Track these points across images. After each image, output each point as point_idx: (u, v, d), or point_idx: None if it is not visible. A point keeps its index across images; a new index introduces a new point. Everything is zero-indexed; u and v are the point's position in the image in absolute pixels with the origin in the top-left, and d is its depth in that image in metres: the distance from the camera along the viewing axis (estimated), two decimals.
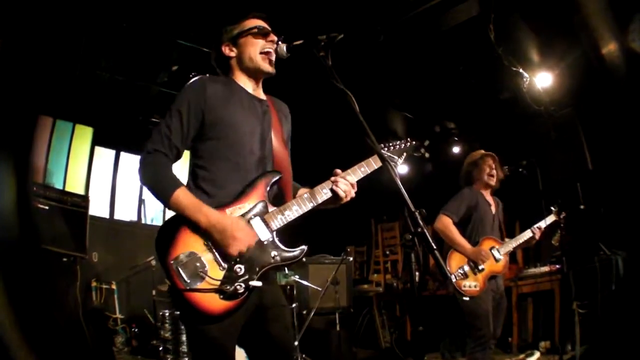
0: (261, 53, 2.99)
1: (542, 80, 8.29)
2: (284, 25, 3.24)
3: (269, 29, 3.05)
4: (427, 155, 3.45)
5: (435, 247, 2.27)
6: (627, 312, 5.87)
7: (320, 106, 8.86)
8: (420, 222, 2.29)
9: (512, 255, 8.77)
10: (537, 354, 7.61)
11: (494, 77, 8.54)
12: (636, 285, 6.31)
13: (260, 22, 3.04)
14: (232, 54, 3.04)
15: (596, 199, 7.91)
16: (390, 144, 3.31)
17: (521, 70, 8.09)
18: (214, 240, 2.64)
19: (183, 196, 2.65)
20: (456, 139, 10.58)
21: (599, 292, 6.91)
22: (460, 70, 8.53)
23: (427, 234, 2.27)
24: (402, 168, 3.46)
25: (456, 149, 10.37)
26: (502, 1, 6.90)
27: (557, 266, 7.66)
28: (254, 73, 3.05)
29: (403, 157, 3.35)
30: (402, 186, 2.35)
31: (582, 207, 7.75)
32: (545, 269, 8.06)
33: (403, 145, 3.38)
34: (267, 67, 3.00)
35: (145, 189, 2.87)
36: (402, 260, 10.80)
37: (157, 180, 2.71)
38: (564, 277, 7.25)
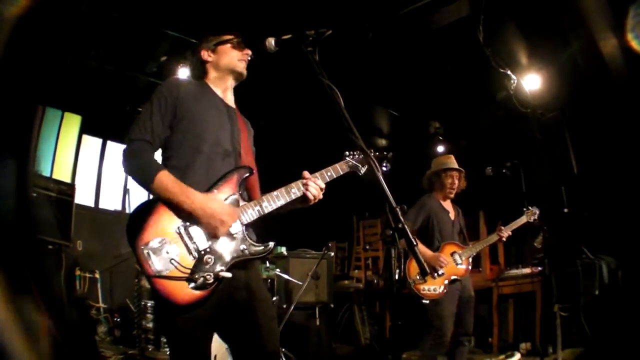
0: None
1: (529, 82, 8.33)
2: (273, 20, 3.27)
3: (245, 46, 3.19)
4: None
5: (415, 243, 2.30)
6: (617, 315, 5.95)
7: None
8: (401, 217, 2.31)
9: (494, 256, 8.88)
10: (518, 355, 7.64)
11: (482, 78, 8.56)
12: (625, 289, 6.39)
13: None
14: (210, 59, 3.16)
15: (580, 203, 7.96)
16: (355, 153, 3.34)
17: (509, 72, 8.12)
18: (199, 222, 2.68)
19: (166, 178, 2.68)
20: (440, 138, 10.63)
21: (581, 296, 6.96)
22: (448, 70, 8.56)
23: (407, 229, 2.29)
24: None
25: (440, 148, 10.41)
26: (492, 3, 6.93)
27: (539, 268, 7.68)
28: (228, 73, 3.16)
29: (366, 167, 3.34)
30: (384, 182, 2.38)
31: (565, 210, 7.81)
32: (527, 270, 8.09)
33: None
34: (241, 68, 3.15)
35: (130, 178, 2.92)
36: (383, 257, 10.81)
37: (138, 166, 2.75)
38: (545, 279, 7.29)
